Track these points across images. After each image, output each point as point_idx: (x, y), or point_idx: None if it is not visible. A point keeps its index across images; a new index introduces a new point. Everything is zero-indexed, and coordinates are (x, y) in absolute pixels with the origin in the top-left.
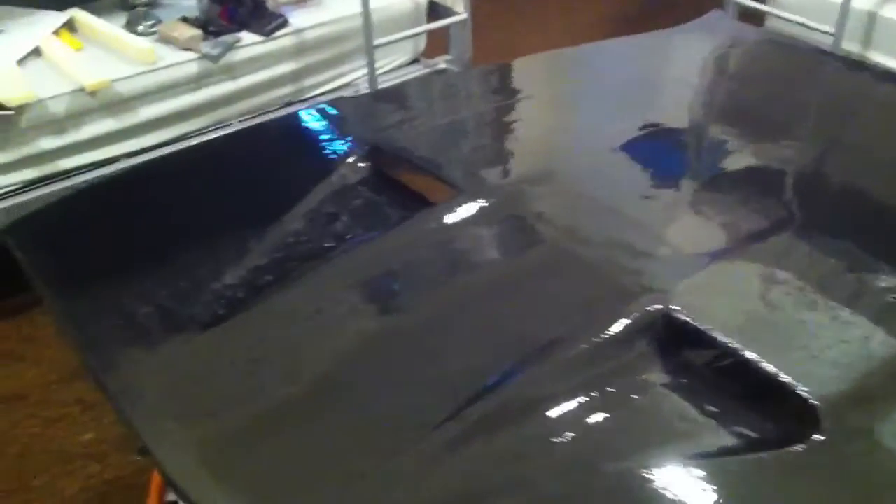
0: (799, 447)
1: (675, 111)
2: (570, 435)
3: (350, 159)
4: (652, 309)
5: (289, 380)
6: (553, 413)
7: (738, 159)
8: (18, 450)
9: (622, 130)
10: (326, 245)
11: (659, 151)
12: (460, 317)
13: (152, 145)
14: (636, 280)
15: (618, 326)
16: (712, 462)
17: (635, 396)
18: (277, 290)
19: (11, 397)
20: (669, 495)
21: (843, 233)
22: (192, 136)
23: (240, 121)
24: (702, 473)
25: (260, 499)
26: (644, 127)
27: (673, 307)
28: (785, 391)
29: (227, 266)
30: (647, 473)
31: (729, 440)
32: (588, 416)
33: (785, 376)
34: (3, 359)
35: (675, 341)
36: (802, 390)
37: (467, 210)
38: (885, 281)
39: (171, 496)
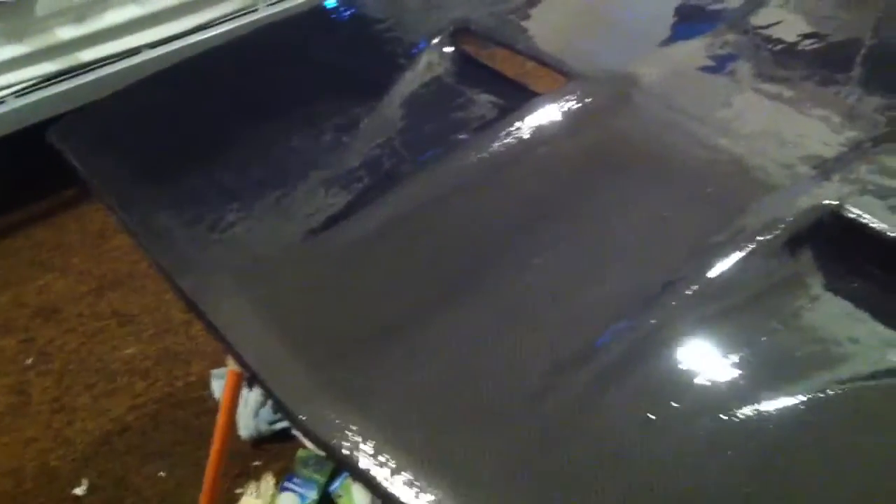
0: None
1: None
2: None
3: (435, 41)
4: (814, 204)
5: (398, 292)
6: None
7: None
8: (58, 367)
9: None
10: (423, 145)
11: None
12: (603, 228)
13: (176, 34)
14: (788, 174)
15: (777, 228)
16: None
17: (808, 306)
18: (378, 193)
19: (46, 310)
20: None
21: None
22: (217, 24)
23: (267, 4)
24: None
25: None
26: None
27: (840, 202)
28: None
29: (309, 165)
30: (836, 395)
31: None
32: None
33: None
34: (32, 269)
35: (844, 242)
36: None
37: (585, 96)
38: None
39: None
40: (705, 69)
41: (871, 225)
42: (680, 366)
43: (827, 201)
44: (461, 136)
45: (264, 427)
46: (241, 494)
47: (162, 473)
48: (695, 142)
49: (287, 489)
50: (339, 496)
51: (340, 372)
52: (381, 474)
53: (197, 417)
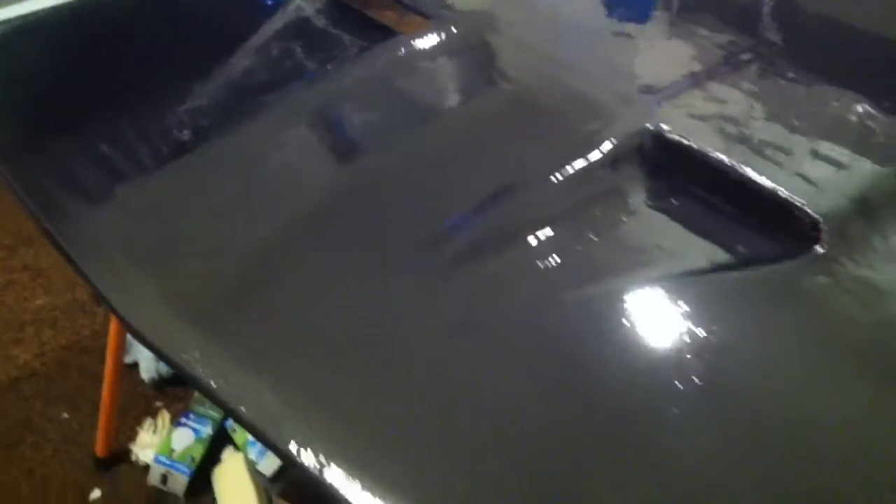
0: (798, 261)
1: None
2: (556, 259)
3: None
4: (639, 128)
5: (254, 221)
6: (538, 238)
7: None
8: None
9: None
10: (280, 80)
11: None
12: (443, 149)
13: None
14: (621, 102)
15: (604, 148)
16: (702, 279)
17: (624, 219)
18: (232, 129)
19: None
20: (651, 312)
21: (820, 62)
22: None
23: None
24: (692, 291)
25: (242, 341)
26: None
27: (662, 125)
28: (784, 207)
29: (174, 107)
30: (632, 291)
31: (722, 258)
32: (574, 240)
33: (784, 192)
34: None
35: (664, 162)
36: (802, 204)
37: (436, 38)
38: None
39: (129, 358)
40: (559, 11)
41: (689, 146)
42: (503, 262)
43: (650, 125)
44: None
45: (164, 370)
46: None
47: (65, 415)
48: (541, 76)
49: (182, 424)
50: (234, 430)
51: (208, 309)
52: (245, 406)
53: (101, 364)
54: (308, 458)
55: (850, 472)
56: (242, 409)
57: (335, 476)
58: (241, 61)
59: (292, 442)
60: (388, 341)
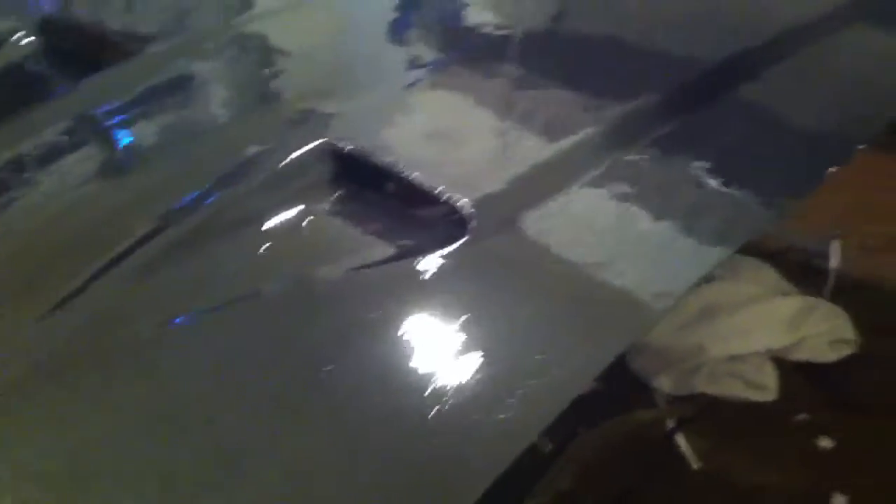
0: (451, 248)
1: None
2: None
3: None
4: (320, 141)
5: None
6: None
7: None
8: None
9: None
10: None
11: None
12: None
13: None
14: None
15: (292, 155)
16: (373, 270)
17: (304, 224)
18: None
19: None
20: (328, 303)
21: None
22: None
23: None
24: (362, 282)
25: None
26: None
27: (336, 137)
28: (443, 203)
29: None
30: (311, 286)
31: (390, 251)
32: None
33: (439, 187)
34: None
35: (341, 169)
36: (454, 198)
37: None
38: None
39: None
40: None
41: (361, 154)
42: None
43: (325, 139)
44: None
45: None
46: None
47: None
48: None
49: None
50: None
51: None
52: None
53: None
54: None
55: None
56: None
57: None
58: None
59: None
60: None
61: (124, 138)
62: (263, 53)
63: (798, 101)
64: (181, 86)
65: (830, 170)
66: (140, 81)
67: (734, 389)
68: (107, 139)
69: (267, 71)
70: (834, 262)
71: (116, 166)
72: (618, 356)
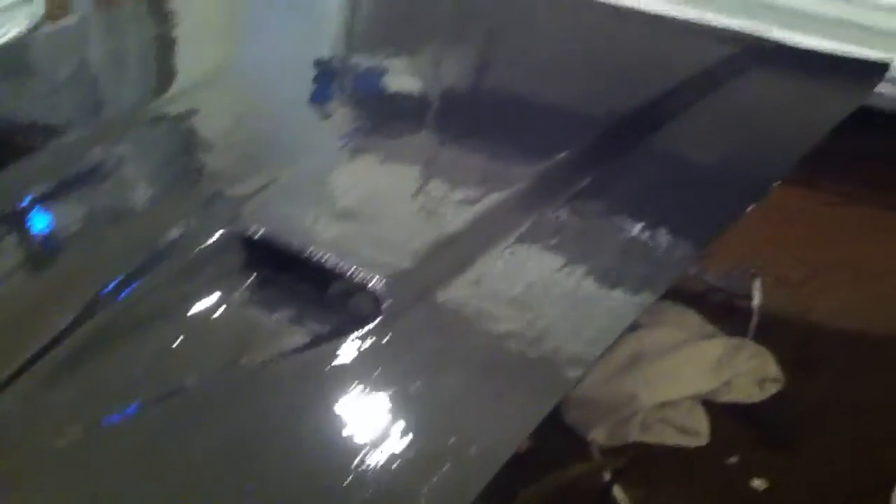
0: (365, 329)
1: None
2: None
3: None
4: (232, 227)
5: None
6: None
7: None
8: None
9: None
10: None
11: None
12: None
13: None
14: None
15: (207, 242)
16: (289, 360)
17: (219, 313)
18: None
19: None
20: (248, 396)
21: None
22: None
23: None
24: (279, 372)
25: None
26: None
27: (249, 221)
28: (356, 284)
29: None
30: (230, 379)
31: (306, 339)
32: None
33: (351, 268)
34: None
35: (255, 254)
36: (367, 278)
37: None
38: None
39: None
40: None
41: (272, 241)
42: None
43: (236, 224)
44: None
45: None
46: None
47: None
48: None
49: None
50: None
51: None
52: None
53: None
54: None
55: None
56: None
57: None
58: None
59: None
60: None
61: (43, 229)
62: (179, 136)
63: (708, 143)
64: (98, 173)
65: (749, 207)
66: (56, 171)
67: (667, 436)
68: (23, 231)
69: (182, 155)
70: (756, 300)
71: (35, 257)
72: (550, 411)
